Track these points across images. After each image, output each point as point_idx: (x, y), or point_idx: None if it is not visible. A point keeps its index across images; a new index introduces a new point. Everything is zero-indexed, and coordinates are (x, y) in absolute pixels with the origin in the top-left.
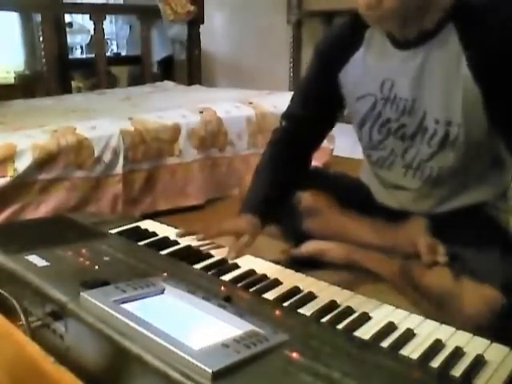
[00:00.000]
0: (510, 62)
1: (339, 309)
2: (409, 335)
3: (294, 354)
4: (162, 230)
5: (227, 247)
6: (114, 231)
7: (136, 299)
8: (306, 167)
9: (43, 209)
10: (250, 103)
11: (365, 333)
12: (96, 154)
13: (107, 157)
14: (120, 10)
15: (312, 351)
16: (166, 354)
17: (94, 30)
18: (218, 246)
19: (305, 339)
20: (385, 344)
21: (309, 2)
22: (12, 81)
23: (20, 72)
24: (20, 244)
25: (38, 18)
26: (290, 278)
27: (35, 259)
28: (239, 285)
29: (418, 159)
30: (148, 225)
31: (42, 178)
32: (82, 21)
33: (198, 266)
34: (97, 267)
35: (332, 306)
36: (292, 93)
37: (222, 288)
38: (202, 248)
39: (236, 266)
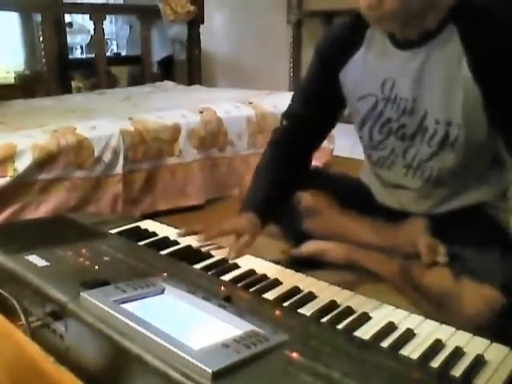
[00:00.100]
0: (511, 62)
1: (339, 309)
2: (409, 335)
3: (294, 354)
4: (162, 230)
5: (227, 247)
6: (113, 231)
7: (136, 299)
8: (306, 167)
9: (43, 209)
10: (250, 103)
11: (365, 333)
12: (96, 154)
13: (107, 157)
14: (120, 10)
15: (312, 351)
16: (165, 354)
17: (94, 29)
18: (219, 247)
19: (305, 339)
20: (385, 344)
21: (309, 2)
22: (12, 81)
23: (20, 72)
24: (20, 244)
25: (38, 18)
26: (290, 278)
27: (35, 259)
28: (239, 285)
29: (418, 159)
30: (148, 225)
31: (41, 178)
32: (82, 21)
33: (198, 266)
34: (97, 267)
35: (332, 306)
36: (292, 93)
37: (222, 288)
38: (202, 248)
39: (236, 266)
